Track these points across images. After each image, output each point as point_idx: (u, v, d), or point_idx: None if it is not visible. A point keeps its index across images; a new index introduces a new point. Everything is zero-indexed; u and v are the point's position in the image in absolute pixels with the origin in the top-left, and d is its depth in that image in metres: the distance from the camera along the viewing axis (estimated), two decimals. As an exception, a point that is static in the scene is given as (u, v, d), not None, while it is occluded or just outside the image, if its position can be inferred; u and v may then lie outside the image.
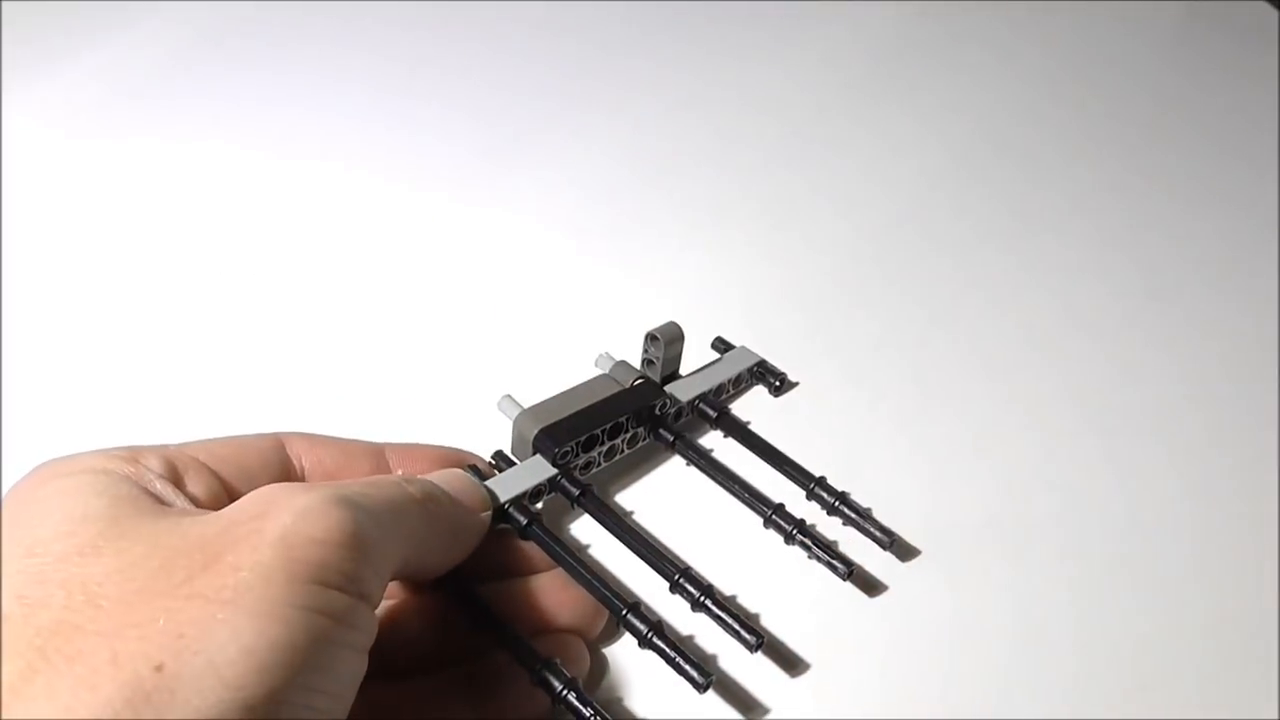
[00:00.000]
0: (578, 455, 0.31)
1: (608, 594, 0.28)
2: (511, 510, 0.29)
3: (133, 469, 0.24)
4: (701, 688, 0.25)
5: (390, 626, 0.28)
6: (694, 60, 0.52)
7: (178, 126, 0.48)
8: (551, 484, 0.30)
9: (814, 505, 0.32)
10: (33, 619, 0.19)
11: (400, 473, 0.29)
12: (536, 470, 0.30)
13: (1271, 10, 0.53)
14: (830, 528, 0.31)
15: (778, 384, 0.36)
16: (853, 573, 0.29)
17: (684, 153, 0.47)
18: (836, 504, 0.31)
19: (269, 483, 0.26)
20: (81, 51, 0.51)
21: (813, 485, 0.32)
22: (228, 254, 0.42)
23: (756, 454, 0.33)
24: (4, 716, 0.18)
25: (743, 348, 0.37)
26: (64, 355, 0.38)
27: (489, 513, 0.28)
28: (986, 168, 0.46)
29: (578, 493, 0.30)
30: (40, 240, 0.43)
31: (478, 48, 0.52)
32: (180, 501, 0.24)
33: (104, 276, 0.41)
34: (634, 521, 0.32)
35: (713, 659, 0.29)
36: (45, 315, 0.40)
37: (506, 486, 0.30)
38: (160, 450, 0.25)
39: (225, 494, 0.25)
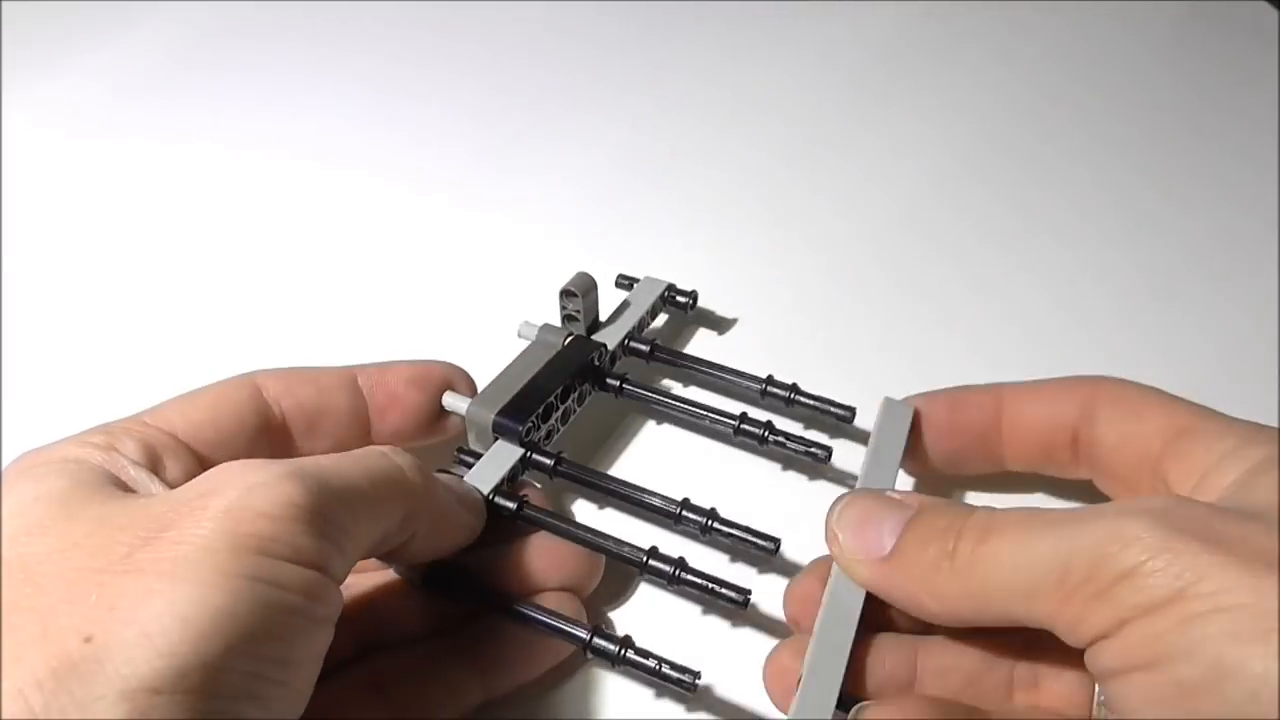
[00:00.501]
0: (539, 428, 0.31)
1: (622, 548, 0.28)
2: (498, 500, 0.29)
3: (105, 456, 0.24)
4: (743, 604, 0.27)
5: (387, 598, 0.28)
6: (694, 60, 0.52)
7: (178, 127, 0.48)
8: (524, 463, 0.31)
9: (769, 409, 0.33)
10: None
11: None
12: (504, 455, 0.30)
13: (1271, 10, 0.53)
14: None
15: (689, 302, 0.37)
16: (832, 454, 0.31)
17: (684, 153, 0.47)
18: (792, 396, 0.32)
19: (246, 444, 0.27)
20: (81, 51, 0.51)
21: (764, 386, 0.33)
22: (226, 254, 0.42)
23: (697, 371, 0.34)
24: None
25: (648, 277, 0.37)
26: (64, 354, 0.38)
27: (482, 514, 0.28)
28: (987, 167, 0.46)
29: (552, 463, 0.30)
30: (40, 240, 0.43)
31: (478, 49, 0.52)
32: (154, 486, 0.24)
33: (104, 276, 0.41)
34: (606, 475, 0.32)
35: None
36: (45, 315, 0.40)
37: (482, 478, 0.30)
38: (139, 433, 0.25)
39: (202, 470, 0.25)
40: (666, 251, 0.42)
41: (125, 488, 0.23)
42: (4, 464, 0.34)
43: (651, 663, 0.25)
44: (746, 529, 0.28)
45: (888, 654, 0.27)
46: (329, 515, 0.22)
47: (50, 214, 0.44)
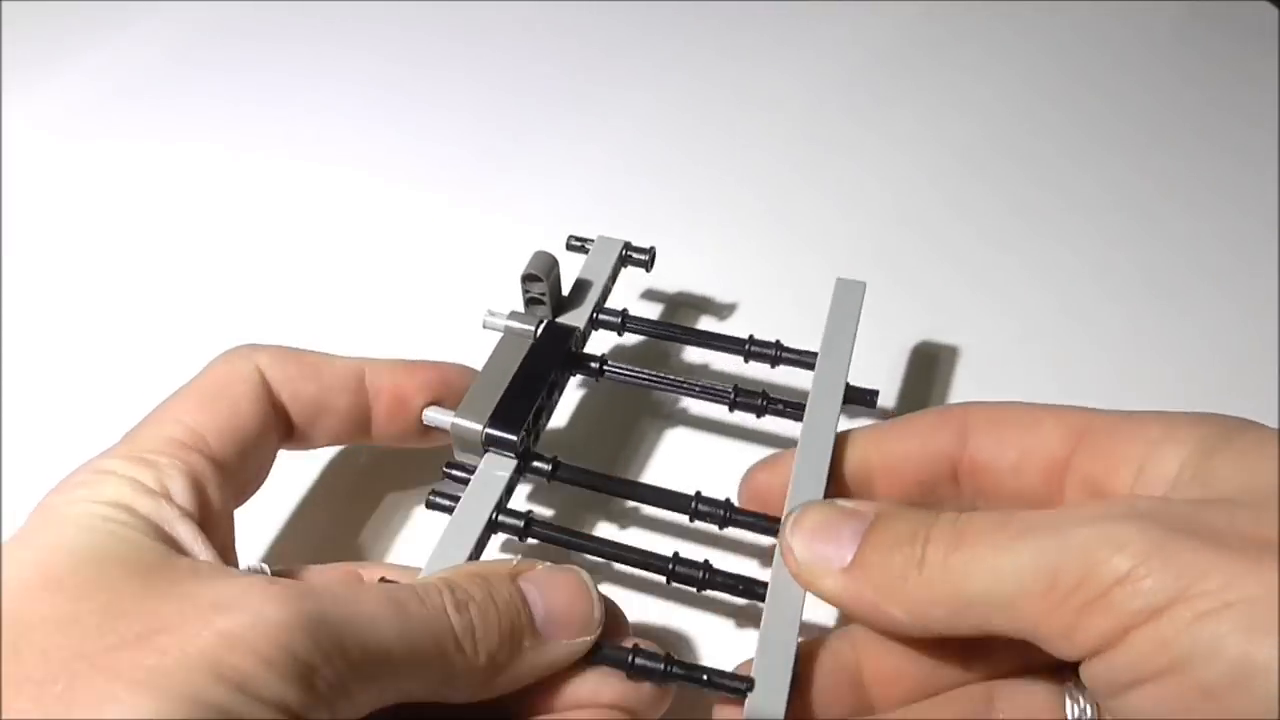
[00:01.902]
0: (531, 435, 0.29)
1: (646, 557, 0.27)
2: (503, 519, 0.28)
3: (153, 505, 0.23)
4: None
5: None
6: (696, 60, 0.52)
7: (178, 126, 0.48)
8: (519, 470, 0.29)
9: (756, 366, 0.32)
10: None
11: (507, 567, 0.25)
12: (498, 467, 0.29)
13: (1272, 10, 0.53)
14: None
15: (647, 259, 0.35)
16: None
17: (685, 152, 0.47)
18: (777, 354, 0.31)
19: (259, 445, 0.27)
20: (81, 51, 0.51)
21: (746, 345, 0.31)
22: (227, 253, 0.42)
23: (677, 339, 0.33)
24: None
25: (602, 237, 0.35)
26: (64, 354, 0.38)
27: (587, 640, 0.24)
28: (987, 167, 0.46)
29: (550, 469, 0.29)
30: (40, 240, 0.43)
31: (478, 48, 0.52)
32: (197, 544, 0.23)
33: (104, 276, 0.41)
34: (614, 476, 0.30)
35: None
36: (45, 315, 0.40)
37: (481, 497, 0.28)
38: (185, 466, 0.24)
39: (229, 489, 0.26)
40: (667, 251, 0.42)
41: (169, 541, 0.23)
42: (4, 472, 0.34)
43: None
44: (761, 516, 0.27)
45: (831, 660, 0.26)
46: (333, 680, 0.20)
47: (50, 213, 0.44)
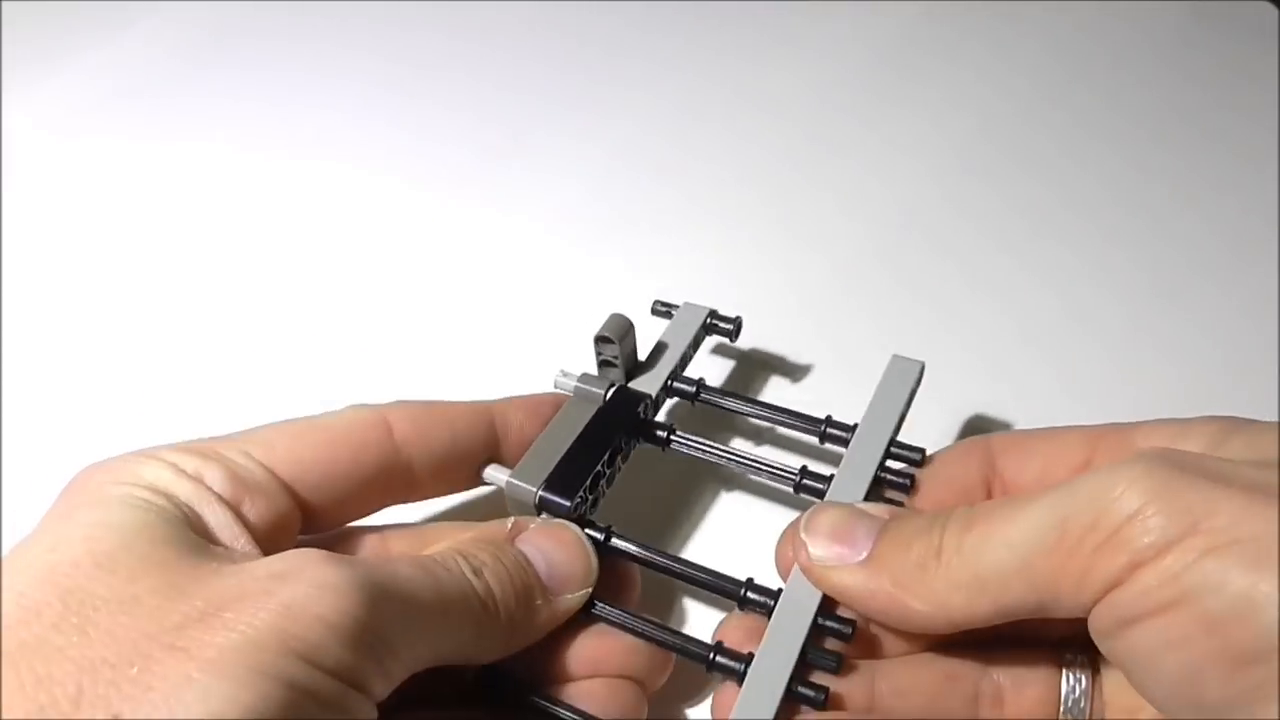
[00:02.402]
0: (587, 501, 0.29)
1: (688, 642, 0.27)
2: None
3: (193, 489, 0.23)
4: (818, 704, 0.25)
5: None
6: (696, 59, 0.52)
7: (179, 126, 0.48)
8: None
9: (830, 448, 0.31)
10: (19, 630, 0.19)
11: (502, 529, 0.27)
12: None
13: (1272, 10, 0.53)
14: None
15: (732, 329, 0.34)
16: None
17: (688, 152, 0.47)
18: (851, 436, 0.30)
19: (359, 487, 0.26)
20: (82, 51, 0.51)
21: (823, 426, 0.31)
22: (228, 253, 0.42)
23: (749, 414, 0.32)
24: None
25: (687, 304, 0.35)
26: (65, 356, 0.38)
27: (585, 591, 0.27)
28: (990, 167, 0.46)
29: (603, 539, 0.28)
30: (40, 241, 0.43)
31: (479, 48, 0.52)
32: (235, 529, 0.23)
33: (105, 277, 0.41)
34: (665, 553, 0.29)
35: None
36: (46, 316, 0.40)
37: None
38: (232, 465, 0.24)
39: (294, 512, 0.25)
40: (669, 251, 0.42)
41: (205, 530, 0.23)
42: (4, 473, 0.34)
43: None
44: (822, 612, 0.26)
45: (842, 679, 0.26)
46: (383, 636, 0.21)
47: (50, 213, 0.44)
